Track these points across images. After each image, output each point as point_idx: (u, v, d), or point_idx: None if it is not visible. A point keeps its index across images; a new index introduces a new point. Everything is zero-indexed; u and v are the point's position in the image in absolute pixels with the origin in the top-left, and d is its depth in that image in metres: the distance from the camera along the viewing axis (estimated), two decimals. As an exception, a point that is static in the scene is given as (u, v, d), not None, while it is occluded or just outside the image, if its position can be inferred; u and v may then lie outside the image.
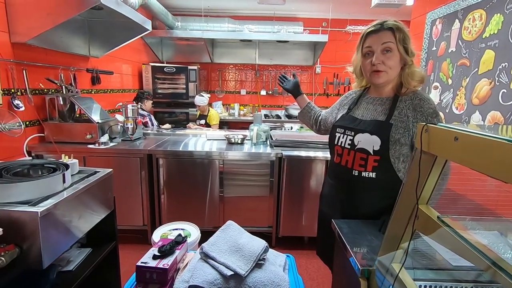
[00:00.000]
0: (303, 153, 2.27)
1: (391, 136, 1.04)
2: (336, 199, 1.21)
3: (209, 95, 3.94)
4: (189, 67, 4.19)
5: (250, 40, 4.49)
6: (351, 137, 1.11)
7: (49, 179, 0.93)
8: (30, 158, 2.13)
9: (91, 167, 2.18)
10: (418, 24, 3.09)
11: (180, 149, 2.32)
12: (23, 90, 2.04)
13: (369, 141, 1.06)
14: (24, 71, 2.03)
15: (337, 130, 1.19)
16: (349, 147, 1.12)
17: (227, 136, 2.53)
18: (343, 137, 1.15)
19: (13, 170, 0.98)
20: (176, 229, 1.34)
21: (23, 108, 2.00)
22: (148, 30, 2.69)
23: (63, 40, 2.38)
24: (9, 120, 1.91)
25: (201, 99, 3.77)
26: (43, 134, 2.24)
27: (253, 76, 5.17)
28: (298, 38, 4.34)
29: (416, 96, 1.07)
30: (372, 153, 1.06)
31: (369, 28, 1.08)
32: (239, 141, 2.50)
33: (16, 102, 1.96)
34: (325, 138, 1.35)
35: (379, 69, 1.05)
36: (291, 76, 1.61)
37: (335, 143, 1.19)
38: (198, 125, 3.84)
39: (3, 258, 0.83)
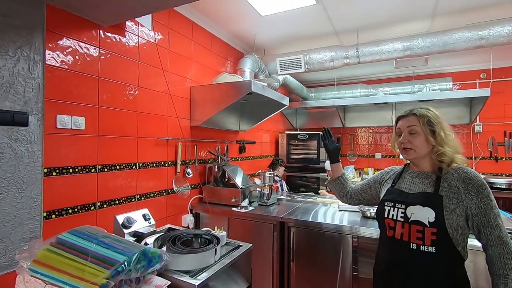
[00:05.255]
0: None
1: (446, 206, 1.07)
2: (394, 276, 1.16)
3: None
4: (321, 133, 4.33)
5: (385, 103, 4.27)
6: (403, 210, 1.14)
7: (206, 253, 1.12)
8: (191, 214, 2.62)
9: (233, 228, 2.50)
10: None
11: (310, 219, 2.29)
12: (192, 161, 2.64)
13: (422, 213, 1.09)
14: (195, 146, 2.66)
15: (386, 204, 1.21)
16: (402, 219, 1.13)
17: (361, 209, 2.33)
18: (393, 210, 1.17)
19: (182, 239, 1.24)
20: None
21: (191, 175, 2.56)
22: (286, 105, 3.04)
23: (222, 120, 3.01)
24: (182, 184, 2.47)
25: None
26: (201, 196, 2.75)
27: (390, 139, 4.76)
28: (447, 96, 3.76)
29: (462, 170, 1.13)
30: (428, 225, 1.07)
31: (400, 113, 1.26)
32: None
33: (188, 170, 2.55)
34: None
35: (406, 146, 1.20)
36: (336, 138, 1.66)
37: (385, 216, 1.19)
38: (328, 191, 3.76)
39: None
